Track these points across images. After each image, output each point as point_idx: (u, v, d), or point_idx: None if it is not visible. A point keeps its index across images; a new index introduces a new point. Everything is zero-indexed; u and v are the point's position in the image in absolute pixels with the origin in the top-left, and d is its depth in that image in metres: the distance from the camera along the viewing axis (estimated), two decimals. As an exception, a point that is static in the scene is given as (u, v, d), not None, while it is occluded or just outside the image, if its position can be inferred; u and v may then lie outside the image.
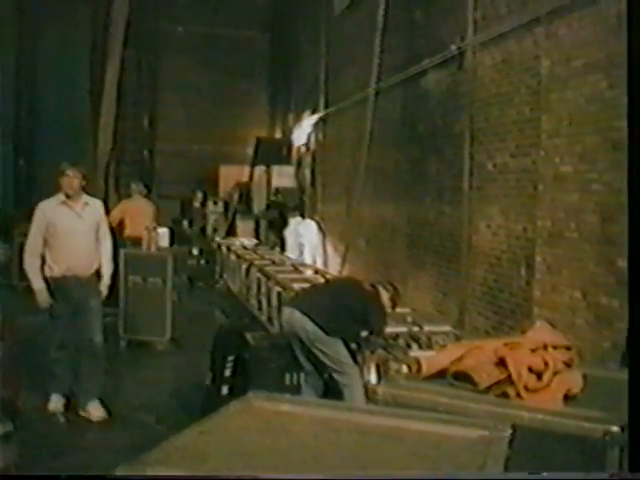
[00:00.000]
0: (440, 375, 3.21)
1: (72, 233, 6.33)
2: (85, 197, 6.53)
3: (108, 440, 5.94)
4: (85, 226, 6.43)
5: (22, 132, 18.38)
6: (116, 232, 11.40)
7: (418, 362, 3.31)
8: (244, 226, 15.64)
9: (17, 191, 18.14)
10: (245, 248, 12.51)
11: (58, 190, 6.46)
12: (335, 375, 5.55)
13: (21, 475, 2.67)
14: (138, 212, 11.02)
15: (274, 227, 15.11)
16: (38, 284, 6.32)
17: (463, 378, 3.11)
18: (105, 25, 17.77)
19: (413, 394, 3.03)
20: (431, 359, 3.38)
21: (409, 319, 6.22)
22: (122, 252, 9.02)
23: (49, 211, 6.36)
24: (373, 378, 5.53)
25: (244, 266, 10.76)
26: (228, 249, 12.73)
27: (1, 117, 17.80)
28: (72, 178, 6.35)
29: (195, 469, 1.85)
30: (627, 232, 2.22)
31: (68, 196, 6.38)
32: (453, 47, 8.11)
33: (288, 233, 14.15)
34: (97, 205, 6.67)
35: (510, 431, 2.28)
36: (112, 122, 17.95)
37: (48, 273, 6.33)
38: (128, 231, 10.78)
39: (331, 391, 5.63)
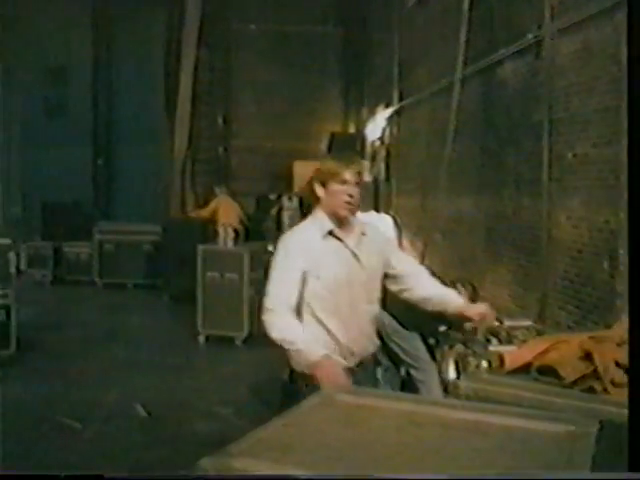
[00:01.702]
0: (523, 370, 3.15)
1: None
2: (357, 219, 3.74)
3: (189, 433, 6.03)
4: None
5: (100, 133, 18.82)
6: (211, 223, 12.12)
7: (501, 357, 3.25)
8: (318, 222, 15.65)
9: (96, 191, 18.59)
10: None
11: (312, 208, 3.78)
12: (412, 371, 5.50)
13: (21, 475, 2.71)
14: (228, 208, 12.05)
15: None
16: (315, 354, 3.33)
17: (548, 372, 3.04)
18: (179, 26, 18.03)
19: (496, 389, 2.97)
20: (514, 353, 3.31)
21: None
22: (200, 248, 9.16)
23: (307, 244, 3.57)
24: (452, 374, 5.46)
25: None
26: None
27: (80, 118, 18.29)
28: (354, 184, 3.59)
29: (278, 460, 1.85)
30: (627, 230, 2.13)
31: (340, 221, 3.64)
32: (530, 35, 7.95)
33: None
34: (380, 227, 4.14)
35: (597, 427, 2.21)
36: (187, 121, 18.20)
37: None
38: (219, 225, 11.41)
39: (407, 387, 5.58)
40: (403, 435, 2.16)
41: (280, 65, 18.10)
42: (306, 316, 3.55)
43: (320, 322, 3.55)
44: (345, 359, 3.54)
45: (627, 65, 2.16)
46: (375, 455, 2.00)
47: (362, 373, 3.59)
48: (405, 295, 3.86)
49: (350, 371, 3.43)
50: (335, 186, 3.56)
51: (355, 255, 3.60)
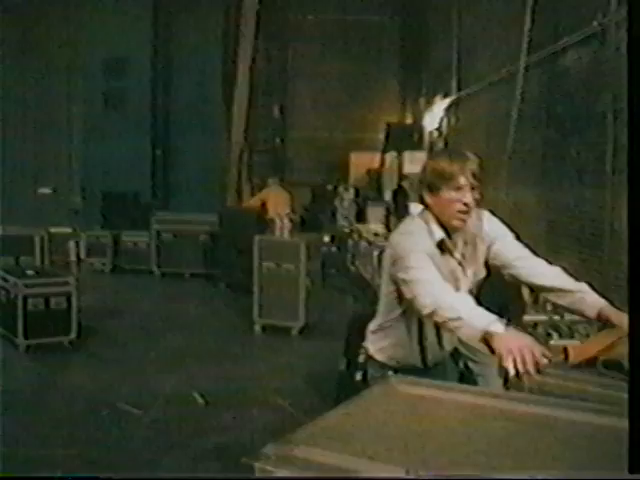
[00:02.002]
0: (589, 364, 3.07)
1: None
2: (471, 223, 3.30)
3: (245, 422, 6.06)
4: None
5: (158, 124, 19.03)
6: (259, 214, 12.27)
7: (565, 350, 3.17)
8: (374, 213, 15.59)
9: (154, 181, 18.82)
10: (376, 234, 12.50)
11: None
12: (470, 364, 5.42)
13: (21, 476, 2.74)
14: (277, 198, 12.10)
15: (399, 213, 15.02)
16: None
17: (614, 367, 2.96)
18: (237, 17, 18.12)
19: (560, 382, 2.90)
20: (579, 347, 3.23)
21: (549, 307, 6.01)
22: (256, 239, 9.19)
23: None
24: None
25: (375, 253, 10.74)
26: (359, 236, 12.76)
27: (139, 110, 18.52)
28: (470, 189, 3.16)
29: (340, 450, 1.83)
30: (627, 232, 2.06)
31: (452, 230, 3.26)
32: (595, 23, 7.77)
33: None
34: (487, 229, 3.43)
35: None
36: (244, 112, 18.30)
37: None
38: (270, 215, 11.66)
39: (465, 381, 5.51)
40: (467, 428, 2.12)
41: (337, 55, 18.08)
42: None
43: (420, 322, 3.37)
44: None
45: (627, 65, 2.11)
46: (439, 447, 1.96)
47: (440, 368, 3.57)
48: (522, 280, 3.45)
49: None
50: (448, 193, 3.13)
51: (461, 265, 3.33)
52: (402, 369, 3.43)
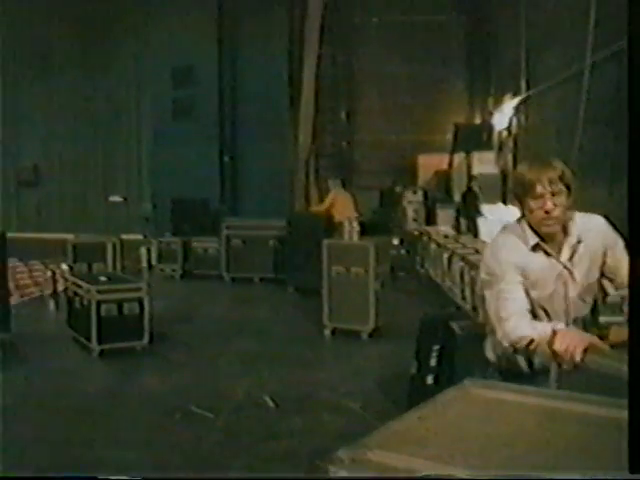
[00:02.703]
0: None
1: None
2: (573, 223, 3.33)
3: (316, 425, 6.04)
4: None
5: (226, 130, 19.23)
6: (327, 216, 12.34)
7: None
8: (444, 215, 15.46)
9: (222, 187, 19.02)
10: (446, 237, 12.38)
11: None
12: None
13: (21, 476, 2.74)
14: (344, 201, 12.15)
15: (469, 215, 14.86)
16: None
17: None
18: (302, 22, 18.21)
19: (623, 366, 2.81)
20: (621, 330, 3.15)
21: (625, 309, 5.84)
22: (325, 242, 9.19)
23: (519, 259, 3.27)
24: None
25: (445, 255, 10.63)
26: (429, 238, 12.66)
27: (206, 117, 18.76)
28: (551, 195, 3.17)
29: (415, 454, 1.79)
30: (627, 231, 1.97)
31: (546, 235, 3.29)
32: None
33: (485, 221, 13.88)
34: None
35: None
36: (311, 117, 18.37)
37: None
38: (338, 218, 11.71)
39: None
40: (543, 431, 2.07)
41: (403, 57, 18.00)
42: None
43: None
44: None
45: (627, 65, 2.03)
46: (515, 452, 1.92)
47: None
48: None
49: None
50: (530, 202, 3.18)
51: (568, 269, 3.29)
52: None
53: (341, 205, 12.51)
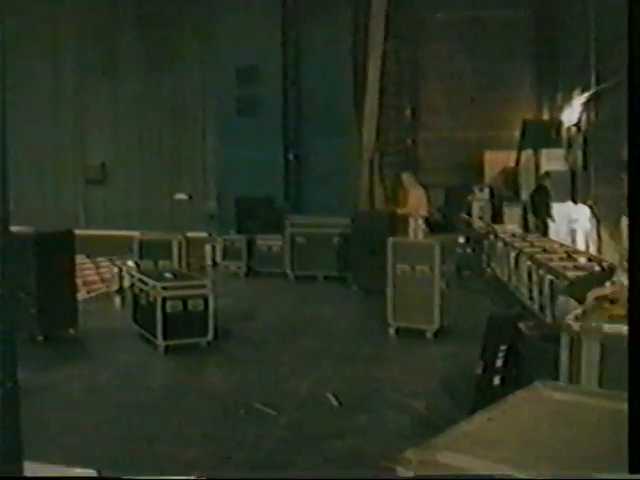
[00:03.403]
0: None
1: None
2: None
3: (380, 424, 5.98)
4: None
5: (290, 128, 19.29)
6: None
7: None
8: (511, 213, 15.21)
9: (287, 185, 19.08)
10: (513, 235, 12.18)
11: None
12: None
13: (21, 476, 2.71)
14: (419, 196, 12.21)
15: (538, 213, 14.58)
16: None
17: None
18: (365, 19, 18.14)
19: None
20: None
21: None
22: (390, 240, 9.10)
23: None
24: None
25: (513, 254, 10.45)
26: (495, 236, 12.47)
27: (270, 116, 18.85)
28: None
29: (484, 456, 1.73)
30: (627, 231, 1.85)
31: None
32: None
33: (556, 219, 13.63)
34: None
35: None
36: (375, 114, 18.28)
37: None
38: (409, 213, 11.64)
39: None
40: (613, 434, 1.98)
41: (468, 53, 17.76)
42: None
43: None
44: None
45: (628, 65, 1.92)
46: (586, 455, 1.84)
47: None
48: None
49: None
50: None
51: None
52: None
53: (415, 199, 12.43)
